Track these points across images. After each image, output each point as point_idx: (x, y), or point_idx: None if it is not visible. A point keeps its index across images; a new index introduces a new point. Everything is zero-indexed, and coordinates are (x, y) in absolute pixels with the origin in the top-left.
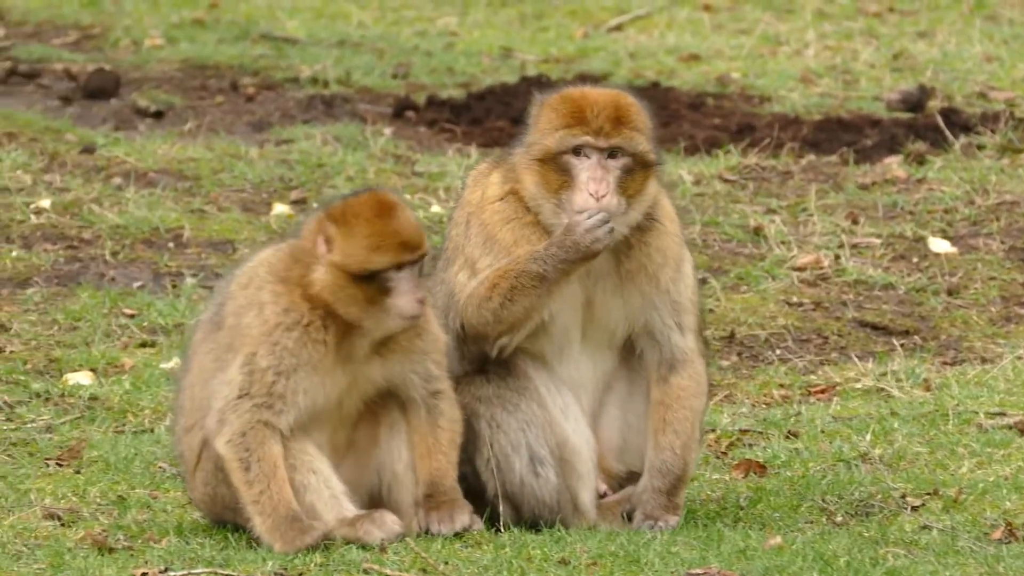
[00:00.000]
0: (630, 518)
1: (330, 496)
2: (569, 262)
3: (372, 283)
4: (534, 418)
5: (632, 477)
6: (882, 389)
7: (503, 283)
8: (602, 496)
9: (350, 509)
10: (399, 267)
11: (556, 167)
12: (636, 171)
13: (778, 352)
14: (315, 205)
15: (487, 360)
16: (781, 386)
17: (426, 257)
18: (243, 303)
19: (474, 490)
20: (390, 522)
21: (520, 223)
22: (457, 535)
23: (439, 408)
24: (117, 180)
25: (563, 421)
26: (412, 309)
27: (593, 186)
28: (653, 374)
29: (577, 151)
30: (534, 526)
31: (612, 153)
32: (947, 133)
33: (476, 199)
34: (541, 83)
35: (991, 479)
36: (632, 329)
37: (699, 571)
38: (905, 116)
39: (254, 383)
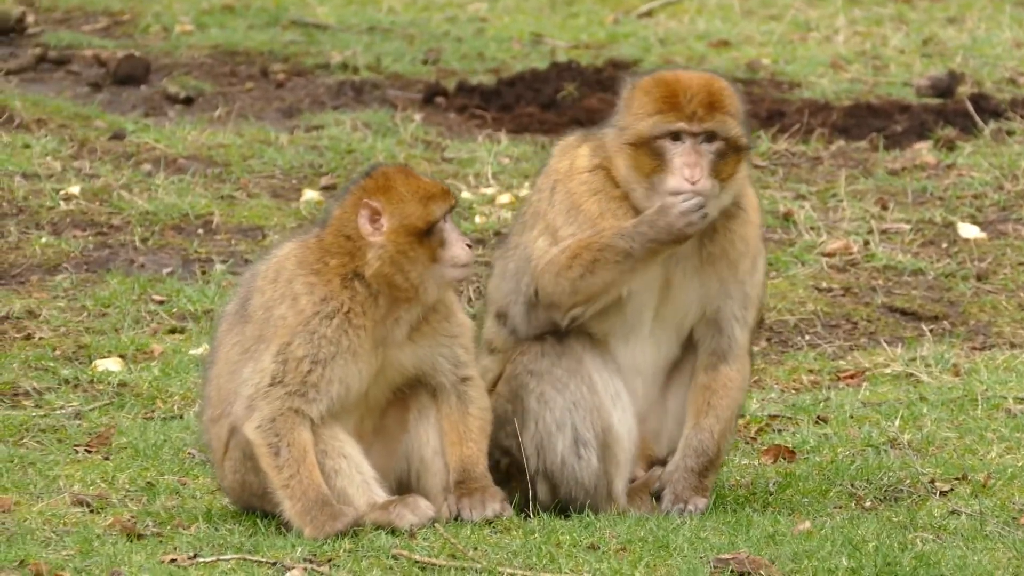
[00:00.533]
0: (658, 498)
1: (361, 481)
2: (659, 242)
3: (431, 237)
4: (582, 400)
5: (662, 461)
6: (911, 374)
7: (585, 254)
8: (632, 481)
9: (380, 495)
10: (447, 215)
11: (649, 151)
12: (729, 155)
13: (807, 337)
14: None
15: (555, 329)
16: (810, 371)
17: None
18: (274, 296)
19: (516, 464)
20: (424, 506)
21: (607, 196)
22: (487, 521)
23: (468, 395)
24: (147, 166)
25: (611, 407)
26: (466, 255)
27: (688, 171)
28: (704, 360)
29: (672, 136)
30: (564, 509)
31: (707, 137)
32: (976, 119)
33: (564, 168)
34: (571, 69)
35: (1020, 464)
36: (703, 314)
37: (728, 556)
38: (935, 102)
39: (288, 372)
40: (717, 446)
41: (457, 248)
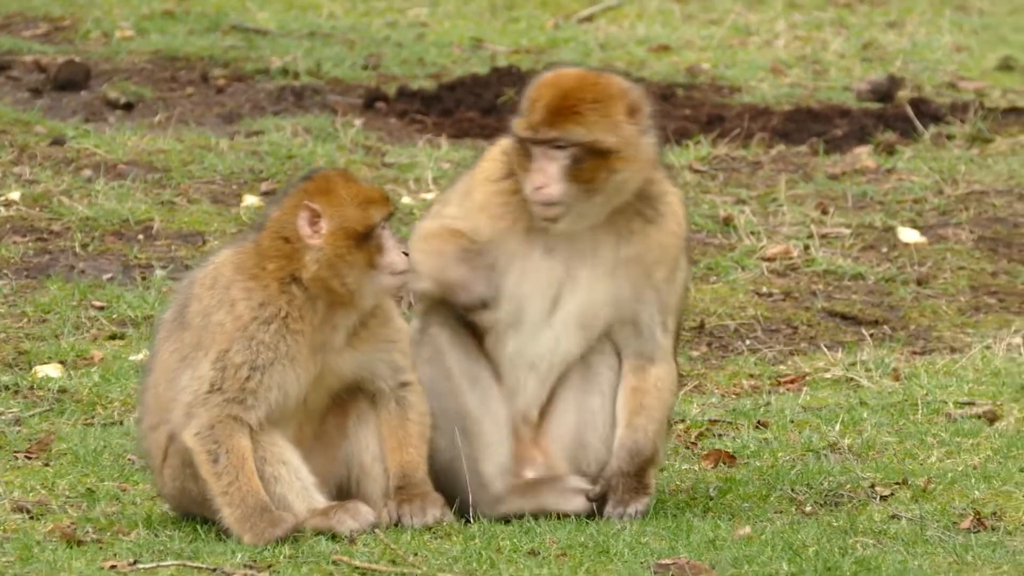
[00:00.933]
0: (601, 507)
1: (301, 487)
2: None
3: (368, 242)
4: (437, 385)
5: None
6: (851, 379)
7: (438, 239)
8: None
9: (320, 501)
10: (386, 221)
11: (520, 150)
12: (587, 160)
13: (748, 342)
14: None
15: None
16: (751, 376)
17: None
18: (211, 303)
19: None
20: (364, 512)
21: (499, 191)
22: (427, 527)
23: (407, 400)
24: (87, 172)
25: (468, 391)
26: (402, 262)
27: (534, 177)
28: (631, 363)
29: (530, 140)
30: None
31: (558, 144)
32: (917, 123)
33: (481, 163)
34: (512, 74)
35: (960, 468)
36: (620, 316)
37: (668, 561)
38: (875, 106)
39: (227, 379)
40: (653, 444)
41: (394, 255)
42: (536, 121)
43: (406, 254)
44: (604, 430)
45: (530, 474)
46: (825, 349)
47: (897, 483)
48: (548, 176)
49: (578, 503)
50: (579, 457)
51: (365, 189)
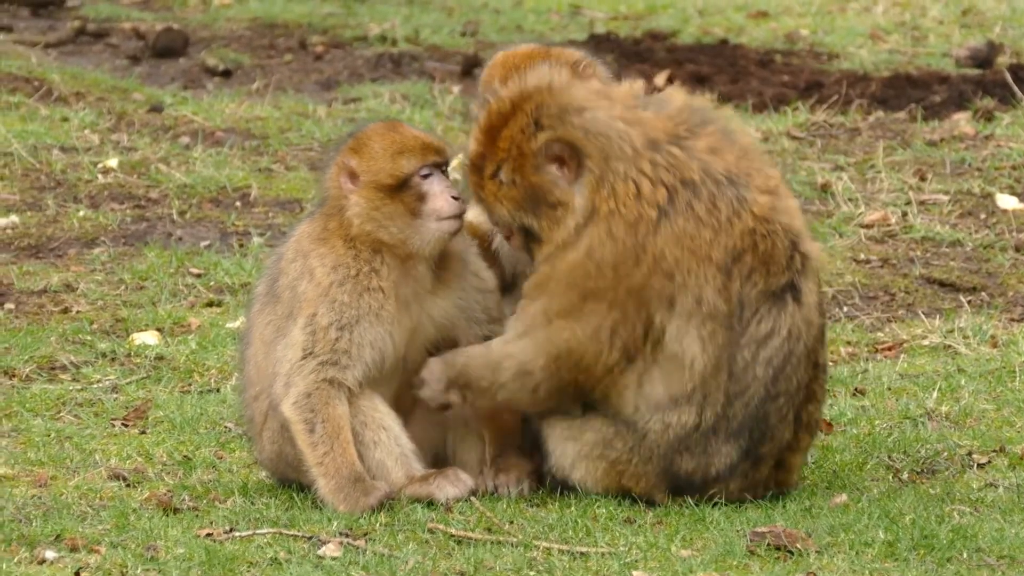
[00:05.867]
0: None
1: (400, 454)
2: None
3: (405, 192)
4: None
5: None
6: (949, 346)
7: None
8: None
9: (418, 468)
10: (426, 171)
11: None
12: None
13: (845, 309)
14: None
15: None
16: (848, 343)
17: (449, 162)
18: (294, 275)
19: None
20: (464, 478)
21: None
22: (523, 496)
23: None
24: (184, 139)
25: None
26: (450, 207)
27: None
28: None
29: None
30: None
31: None
32: (1015, 89)
33: None
34: (610, 40)
35: None
36: None
37: (764, 529)
38: (973, 72)
39: (317, 342)
40: None
41: (439, 201)
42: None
43: (456, 198)
44: None
45: None
46: (923, 316)
47: (994, 451)
48: None
49: None
50: None
51: (403, 139)
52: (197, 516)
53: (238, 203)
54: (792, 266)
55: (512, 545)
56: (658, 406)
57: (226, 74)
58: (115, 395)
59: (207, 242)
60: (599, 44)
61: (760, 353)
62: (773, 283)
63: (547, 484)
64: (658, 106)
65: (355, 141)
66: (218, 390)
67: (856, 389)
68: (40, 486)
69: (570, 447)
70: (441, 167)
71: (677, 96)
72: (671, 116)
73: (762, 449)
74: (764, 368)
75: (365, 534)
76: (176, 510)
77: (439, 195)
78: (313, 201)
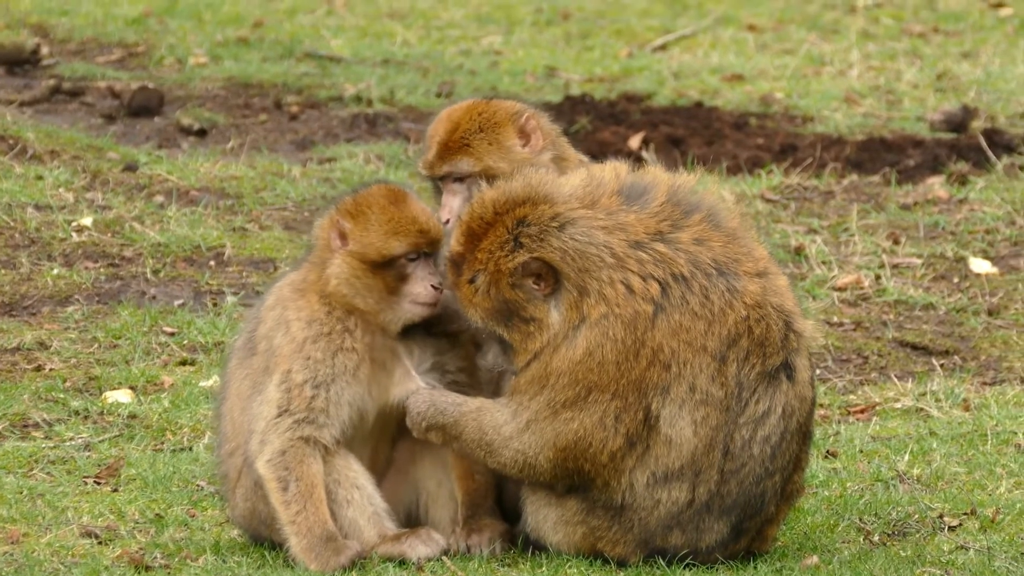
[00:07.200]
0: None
1: (373, 513)
2: None
3: (388, 271)
4: None
5: None
6: (921, 409)
7: None
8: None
9: (391, 527)
10: (415, 254)
11: (432, 188)
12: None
13: (818, 372)
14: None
15: None
16: (820, 405)
17: (440, 248)
18: (272, 324)
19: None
20: (436, 538)
21: None
22: (495, 556)
23: None
24: (159, 198)
25: None
26: (427, 295)
27: (441, 212)
28: None
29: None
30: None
31: (454, 178)
32: (989, 153)
33: None
34: (585, 102)
35: None
36: None
37: None
38: (948, 136)
39: (292, 399)
40: None
41: (419, 286)
42: (430, 159)
43: (436, 287)
44: None
45: None
46: (895, 379)
47: (965, 514)
48: (451, 210)
49: None
50: None
51: (400, 218)
52: (169, 574)
53: (212, 262)
54: (787, 346)
55: None
56: (648, 483)
57: (201, 133)
58: (88, 453)
59: (181, 301)
60: (575, 106)
61: (758, 432)
62: (769, 364)
63: (519, 544)
64: (642, 204)
65: (355, 203)
66: (191, 448)
67: (828, 451)
68: (12, 543)
69: (552, 512)
70: (431, 253)
71: (661, 184)
72: (654, 214)
73: (748, 523)
74: (761, 446)
75: None
76: (148, 568)
77: (420, 281)
78: (288, 261)
